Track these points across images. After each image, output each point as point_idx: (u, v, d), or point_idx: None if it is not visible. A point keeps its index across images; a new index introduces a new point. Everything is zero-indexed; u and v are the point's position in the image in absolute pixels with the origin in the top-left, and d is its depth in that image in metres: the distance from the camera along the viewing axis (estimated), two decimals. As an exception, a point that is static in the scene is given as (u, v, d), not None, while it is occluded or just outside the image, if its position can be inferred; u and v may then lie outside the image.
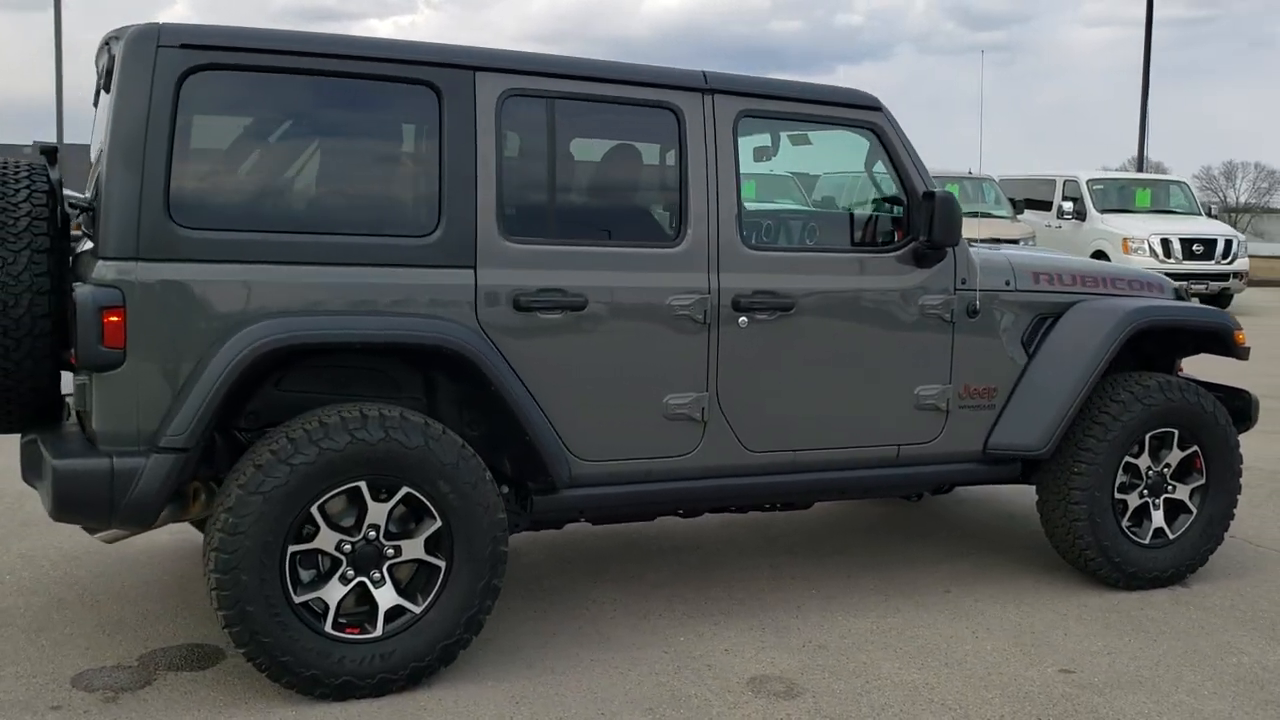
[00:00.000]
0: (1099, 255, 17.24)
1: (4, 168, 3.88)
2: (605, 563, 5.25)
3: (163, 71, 3.55)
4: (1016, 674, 4.14)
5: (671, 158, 4.25)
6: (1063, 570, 5.23)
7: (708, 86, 4.26)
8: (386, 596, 3.78)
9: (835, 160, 7.61)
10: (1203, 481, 5.12)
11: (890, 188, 4.71)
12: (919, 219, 4.54)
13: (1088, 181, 19.31)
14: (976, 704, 3.88)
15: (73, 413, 4.14)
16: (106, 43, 3.81)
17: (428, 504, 3.77)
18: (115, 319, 3.48)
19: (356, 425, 3.64)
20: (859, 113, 4.57)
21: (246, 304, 3.64)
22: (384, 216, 3.92)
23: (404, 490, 3.74)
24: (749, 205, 4.51)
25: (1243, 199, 65.70)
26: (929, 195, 4.49)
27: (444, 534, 3.81)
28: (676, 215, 4.23)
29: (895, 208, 4.68)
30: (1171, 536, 5.09)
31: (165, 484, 3.54)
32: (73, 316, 3.52)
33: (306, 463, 3.58)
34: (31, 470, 3.87)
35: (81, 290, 3.48)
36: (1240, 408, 5.30)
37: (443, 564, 3.82)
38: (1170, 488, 5.10)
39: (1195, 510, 5.13)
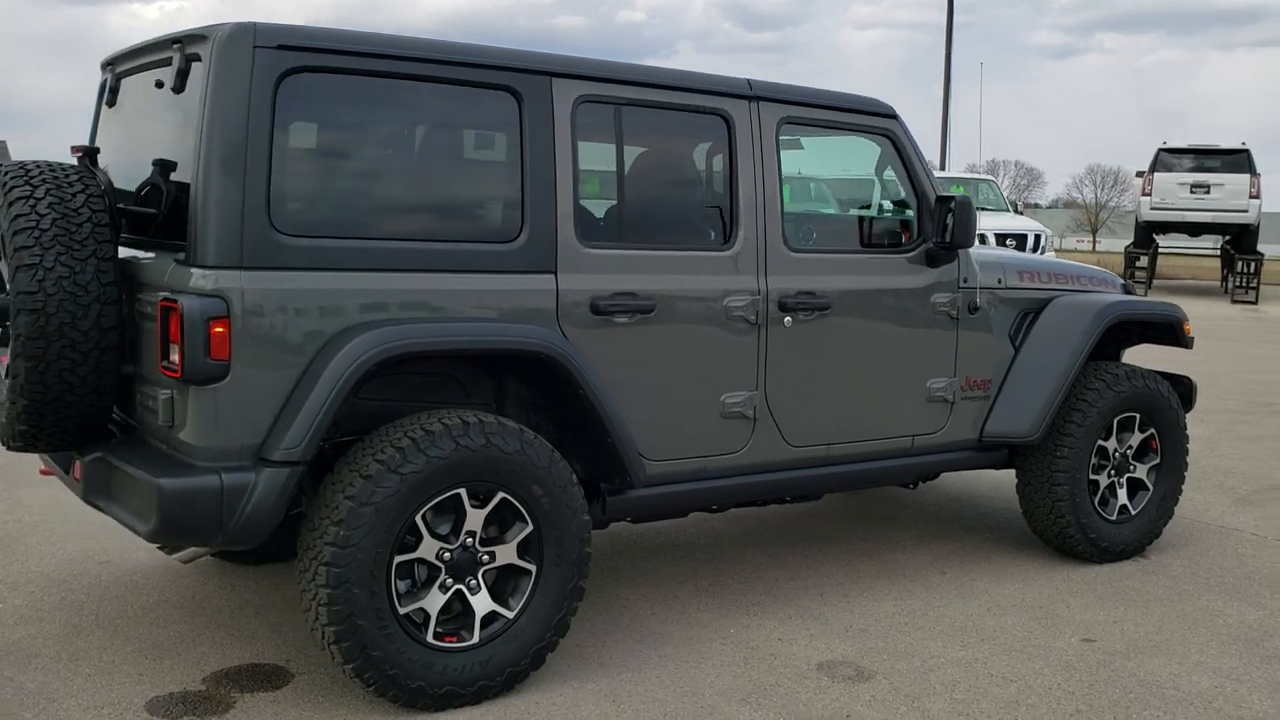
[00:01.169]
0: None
1: (53, 171, 3.67)
2: (614, 561, 5.31)
3: (261, 74, 3.43)
4: (1047, 645, 4.44)
5: (722, 163, 4.36)
6: (1031, 546, 5.61)
7: (753, 94, 4.40)
8: (482, 603, 3.76)
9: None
10: (1158, 461, 5.59)
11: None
12: (933, 221, 4.80)
13: (908, 180, 20.23)
14: (1030, 675, 4.15)
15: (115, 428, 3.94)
16: (177, 42, 3.63)
17: (520, 508, 3.77)
18: (220, 330, 3.35)
19: (460, 432, 3.61)
20: (877, 120, 4.79)
21: (347, 312, 3.56)
22: (472, 222, 3.90)
23: (499, 495, 3.73)
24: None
25: (1006, 195, 70.11)
26: (947, 199, 4.75)
27: (533, 538, 3.82)
28: (728, 219, 4.35)
29: (905, 210, 4.92)
30: (1134, 512, 5.54)
31: (280, 499, 3.43)
32: (184, 326, 3.34)
33: (415, 471, 3.53)
34: (99, 490, 3.66)
35: (188, 300, 3.33)
36: (1183, 393, 5.79)
37: (533, 568, 3.83)
38: (1132, 467, 5.54)
39: (1152, 488, 5.59)
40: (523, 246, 3.87)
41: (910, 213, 4.90)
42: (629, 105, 4.13)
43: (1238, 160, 22.05)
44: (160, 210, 3.70)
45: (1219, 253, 24.81)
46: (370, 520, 3.47)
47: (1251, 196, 21.75)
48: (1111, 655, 4.36)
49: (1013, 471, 5.47)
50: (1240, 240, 22.73)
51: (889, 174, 4.93)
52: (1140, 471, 5.56)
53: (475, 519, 3.72)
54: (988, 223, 19.57)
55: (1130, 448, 5.52)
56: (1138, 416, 5.48)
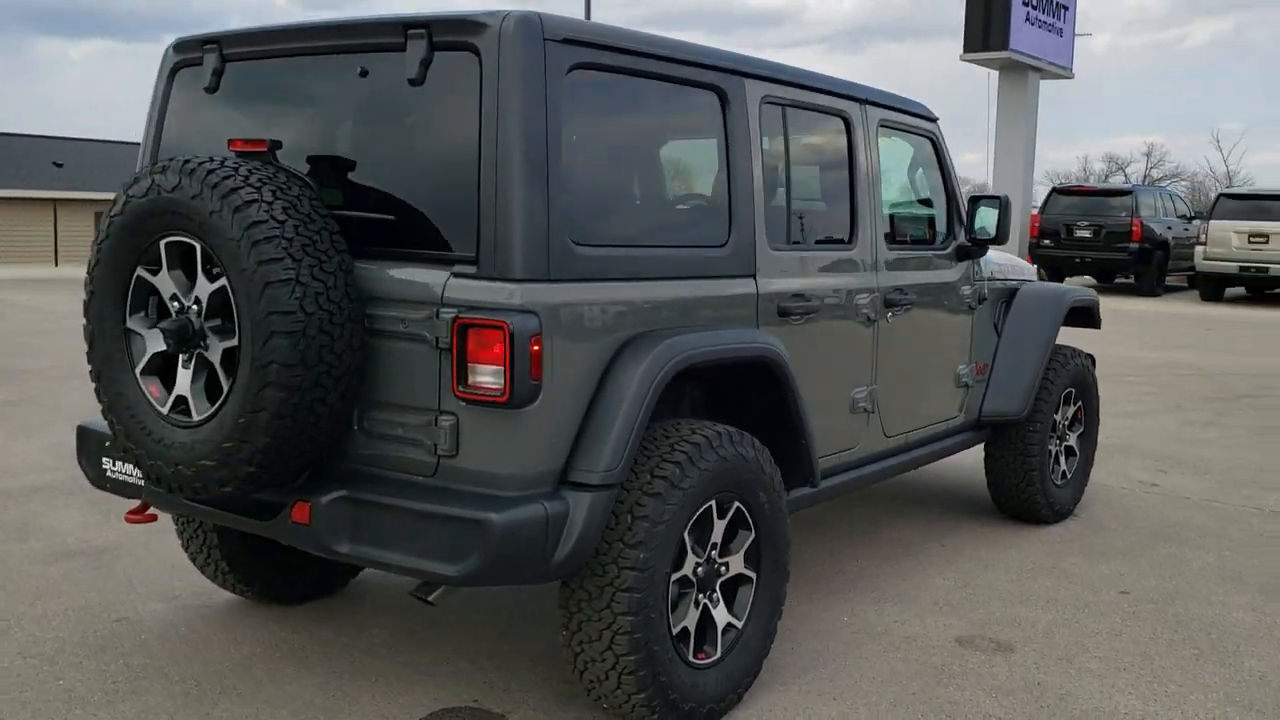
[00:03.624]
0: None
1: (262, 170, 3.17)
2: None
3: (554, 69, 3.16)
4: (1099, 601, 4.92)
5: (845, 164, 4.45)
6: (987, 514, 6.15)
7: (861, 97, 4.53)
8: (722, 615, 3.69)
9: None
10: (1083, 430, 6.30)
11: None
12: (966, 219, 5.16)
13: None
14: (1126, 630, 4.60)
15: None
16: (417, 26, 3.23)
17: (748, 516, 3.72)
18: (537, 349, 3.07)
19: (717, 443, 3.52)
20: (925, 123, 5.07)
21: (627, 324, 3.37)
22: (697, 227, 3.78)
23: (735, 505, 3.66)
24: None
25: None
26: (979, 198, 5.12)
27: (753, 546, 3.78)
28: (849, 219, 4.46)
29: (932, 208, 5.24)
30: (1070, 476, 6.21)
31: (599, 525, 3.20)
32: (513, 347, 3.02)
33: (692, 486, 3.41)
34: (345, 534, 3.20)
35: (515, 319, 3.01)
36: (1090, 369, 6.55)
37: (754, 575, 3.79)
38: (1068, 437, 6.21)
39: (1079, 453, 6.29)
40: (732, 250, 3.80)
41: (938, 211, 5.23)
42: (792, 106, 4.15)
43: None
44: (393, 215, 3.32)
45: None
46: (663, 539, 3.32)
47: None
48: (1159, 604, 4.91)
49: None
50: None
51: (920, 173, 5.22)
52: (1072, 440, 6.24)
53: (718, 530, 3.63)
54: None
55: (1067, 419, 6.18)
56: (1074, 391, 6.15)
